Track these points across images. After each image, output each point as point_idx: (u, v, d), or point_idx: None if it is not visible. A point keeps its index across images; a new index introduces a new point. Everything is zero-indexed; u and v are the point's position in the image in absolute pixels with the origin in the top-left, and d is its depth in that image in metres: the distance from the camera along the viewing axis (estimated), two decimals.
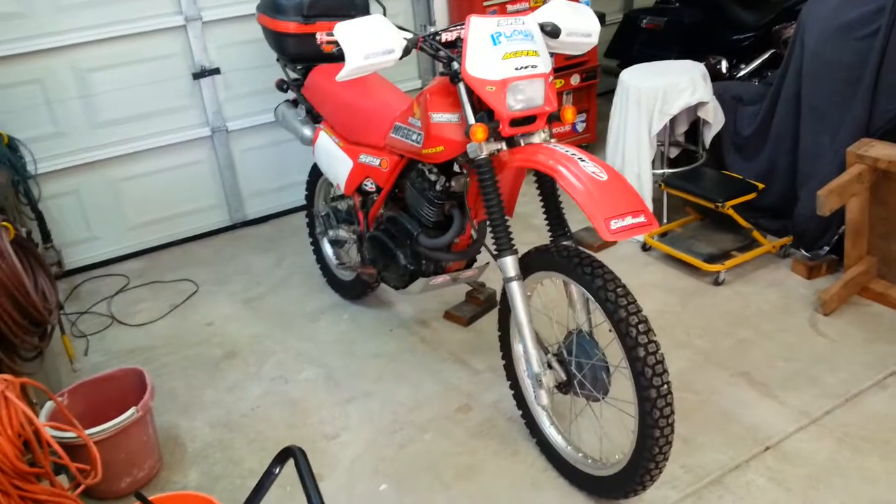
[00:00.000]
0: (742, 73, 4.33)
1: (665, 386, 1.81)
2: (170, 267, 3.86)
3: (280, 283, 3.60)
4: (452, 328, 3.09)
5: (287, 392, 2.80)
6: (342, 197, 3.05)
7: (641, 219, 1.79)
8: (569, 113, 2.13)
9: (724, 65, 4.36)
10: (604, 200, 1.79)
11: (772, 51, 4.30)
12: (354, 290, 3.29)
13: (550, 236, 2.21)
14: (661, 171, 3.53)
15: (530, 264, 2.13)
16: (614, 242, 3.49)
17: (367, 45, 1.95)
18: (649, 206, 3.49)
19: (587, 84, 4.38)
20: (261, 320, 3.30)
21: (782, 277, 3.14)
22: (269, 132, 4.05)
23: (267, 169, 4.17)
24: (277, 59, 3.18)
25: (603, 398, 2.04)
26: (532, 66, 2.00)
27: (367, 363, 2.91)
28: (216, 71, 3.84)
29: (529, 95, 2.02)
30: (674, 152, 3.75)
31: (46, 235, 3.62)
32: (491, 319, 3.09)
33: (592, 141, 4.60)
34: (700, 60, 4.24)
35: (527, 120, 2.06)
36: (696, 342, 2.79)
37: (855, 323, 2.80)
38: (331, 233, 3.15)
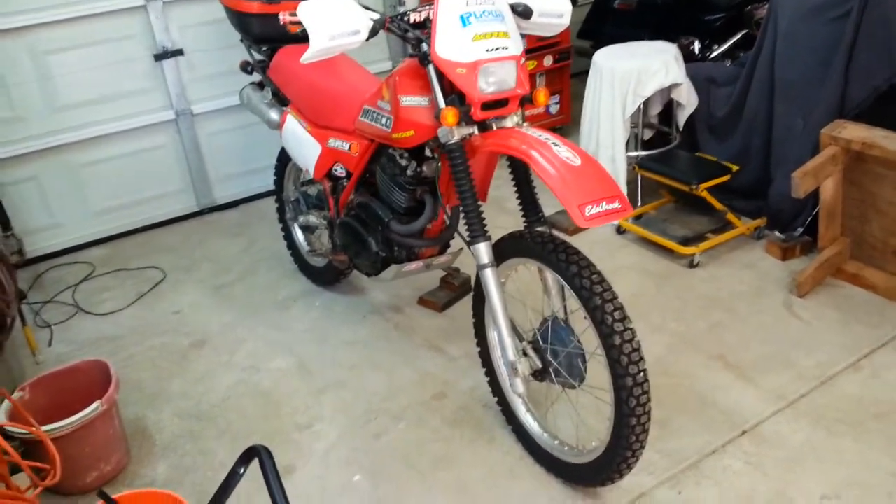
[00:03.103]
0: (714, 53, 4.30)
1: (641, 374, 1.78)
2: (136, 254, 3.76)
3: (250, 269, 3.53)
4: (427, 314, 3.04)
5: (258, 381, 2.74)
6: (312, 182, 2.98)
7: (616, 204, 1.75)
8: (541, 95, 2.08)
9: (696, 45, 4.34)
10: (578, 186, 1.74)
11: (744, 31, 4.27)
12: (326, 277, 3.23)
13: (524, 221, 2.17)
14: (636, 154, 3.50)
15: (504, 251, 2.08)
16: None
17: (332, 25, 1.88)
18: (623, 188, 3.46)
19: (560, 65, 4.33)
20: (231, 308, 3.22)
21: (756, 259, 3.14)
22: (236, 115, 3.94)
23: (234, 153, 4.07)
24: (241, 40, 3.08)
25: (579, 385, 2.01)
26: (503, 48, 1.95)
27: (341, 351, 2.86)
28: (179, 52, 3.73)
29: (501, 78, 1.97)
30: (647, 134, 3.72)
31: (6, 223, 3.51)
32: (466, 305, 3.05)
33: (567, 122, 4.56)
34: (673, 41, 4.21)
35: (499, 103, 2.01)
36: (672, 325, 2.78)
37: (829, 304, 2.81)
38: (301, 218, 3.08)
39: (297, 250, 3.34)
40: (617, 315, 1.78)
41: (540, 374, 2.06)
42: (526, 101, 2.07)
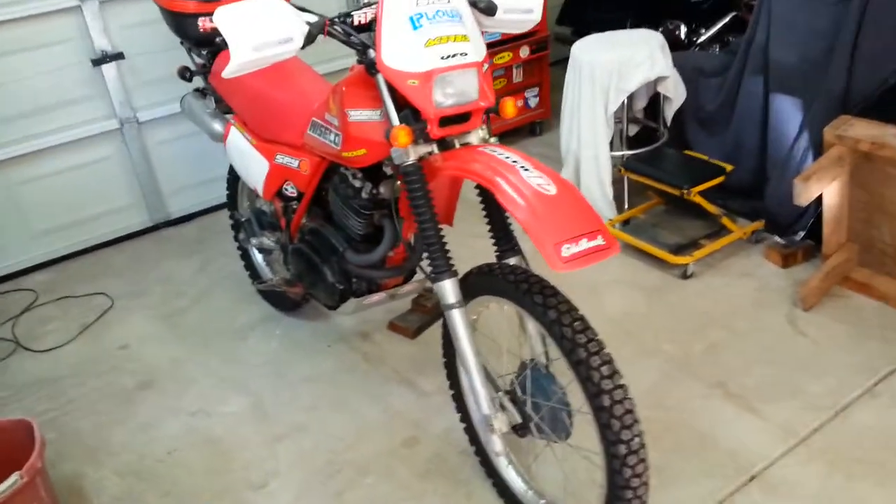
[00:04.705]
0: (702, 38, 4.02)
1: (636, 439, 1.51)
2: (82, 278, 3.46)
3: (205, 292, 3.23)
4: (397, 341, 2.77)
5: (209, 429, 2.46)
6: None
7: (599, 241, 1.47)
8: (509, 106, 1.78)
9: (682, 30, 4.05)
10: (552, 220, 1.46)
11: (733, 13, 4.00)
12: (288, 301, 2.93)
13: (496, 251, 1.89)
14: (621, 154, 3.22)
15: (473, 286, 1.80)
16: None
17: (257, 33, 1.58)
18: (608, 190, 3.19)
19: (538, 55, 4.03)
20: (182, 340, 2.93)
21: (755, 266, 2.88)
22: (187, 121, 3.60)
23: (188, 162, 3.76)
24: (181, 43, 2.76)
25: (565, 440, 1.75)
26: (462, 54, 1.66)
27: (300, 388, 2.58)
28: (119, 56, 3.40)
29: (460, 89, 1.68)
30: (633, 129, 3.44)
31: None
32: (440, 330, 2.76)
33: (547, 117, 4.27)
34: (657, 26, 3.92)
35: (459, 118, 1.72)
36: (666, 348, 2.52)
37: (837, 318, 2.55)
38: (254, 240, 2.79)
39: (255, 271, 3.05)
40: (605, 371, 1.50)
41: (520, 429, 1.78)
42: (491, 112, 1.78)
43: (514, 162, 1.57)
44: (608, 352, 1.53)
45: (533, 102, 4.18)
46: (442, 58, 1.63)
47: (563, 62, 4.77)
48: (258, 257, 3.01)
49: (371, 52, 1.73)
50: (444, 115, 1.68)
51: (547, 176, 1.55)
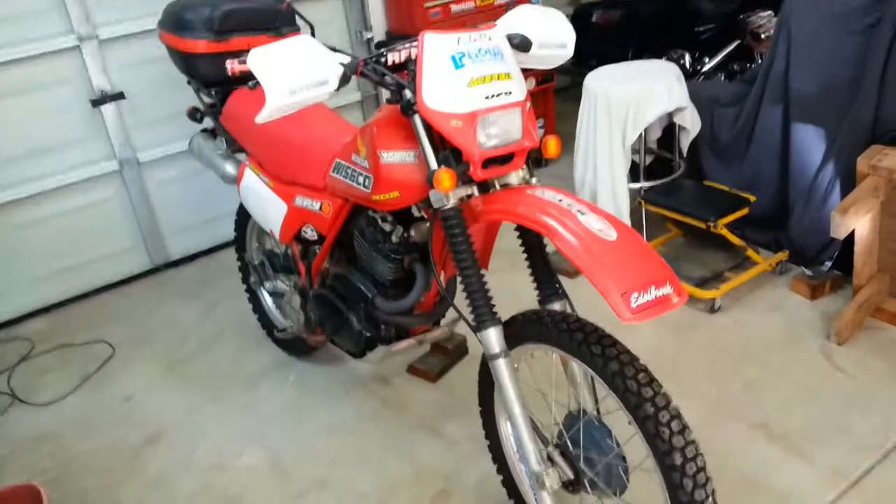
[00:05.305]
0: (706, 67, 4.01)
1: (710, 500, 1.42)
2: (82, 325, 3.32)
3: (212, 338, 3.11)
4: (418, 385, 2.66)
5: (225, 487, 2.32)
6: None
7: (667, 289, 1.39)
8: (552, 145, 1.72)
9: (686, 59, 4.04)
10: (618, 268, 1.38)
11: (737, 41, 3.99)
12: (300, 346, 2.82)
13: (539, 296, 1.80)
14: (638, 186, 3.16)
15: (517, 333, 1.71)
16: None
17: (292, 77, 1.50)
18: (627, 223, 3.11)
19: (544, 87, 3.99)
20: (190, 389, 2.80)
21: (782, 298, 2.81)
22: (187, 160, 3.52)
23: (189, 202, 3.66)
24: (189, 82, 2.67)
25: (620, 496, 1.65)
26: (506, 93, 1.59)
27: (320, 440, 2.45)
28: (119, 96, 3.31)
29: (504, 129, 1.60)
30: (646, 160, 3.39)
31: None
32: (462, 372, 2.68)
33: None
34: (659, 56, 3.90)
35: (502, 159, 1.65)
36: (702, 387, 2.43)
37: (873, 352, 2.48)
38: (267, 284, 2.68)
39: (264, 315, 2.94)
40: (675, 426, 1.41)
41: (572, 486, 1.68)
42: (534, 153, 1.71)
43: (569, 205, 1.50)
44: (676, 405, 1.44)
45: (539, 133, 4.12)
46: (486, 97, 1.56)
47: (562, 91, 4.76)
48: (268, 301, 2.90)
49: (407, 93, 1.65)
50: (488, 157, 1.61)
51: (605, 219, 1.47)
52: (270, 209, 2.35)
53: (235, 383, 2.80)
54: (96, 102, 3.27)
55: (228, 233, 3.27)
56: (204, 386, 2.80)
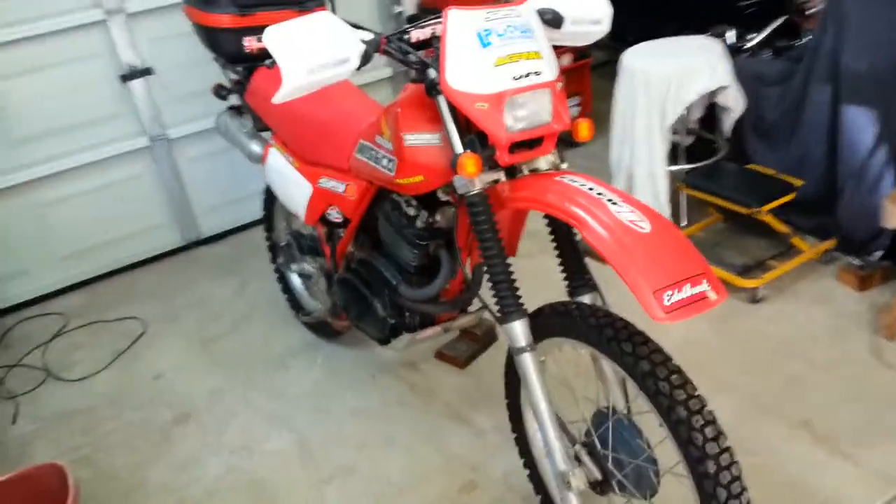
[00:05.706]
0: (751, 44, 3.82)
1: None
2: (113, 302, 3.33)
3: (242, 316, 3.09)
4: (446, 371, 2.60)
5: (252, 469, 2.31)
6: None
7: (704, 286, 1.29)
8: (583, 128, 1.62)
9: (730, 35, 3.85)
10: (651, 264, 1.29)
11: (784, 16, 3.79)
12: (327, 329, 2.78)
13: (568, 288, 1.72)
14: (678, 168, 3.03)
15: (544, 326, 1.63)
16: None
17: (311, 55, 1.43)
18: (665, 207, 3.00)
19: (579, 64, 3.85)
20: (220, 369, 2.79)
21: (828, 289, 2.68)
22: (217, 137, 3.43)
23: (220, 179, 3.63)
24: (215, 59, 2.62)
25: (649, 499, 1.57)
26: (535, 73, 1.49)
27: (348, 424, 2.42)
28: (148, 71, 3.28)
29: (533, 111, 1.51)
30: (686, 141, 3.25)
31: None
32: (491, 359, 2.61)
33: None
34: (701, 31, 3.73)
35: (530, 143, 1.56)
36: (740, 381, 2.33)
37: None
38: (294, 266, 2.64)
39: (294, 297, 2.91)
40: (709, 432, 1.33)
41: (599, 487, 1.61)
42: (564, 135, 1.62)
43: (600, 194, 1.41)
44: (711, 409, 1.36)
45: (574, 112, 4.01)
46: (514, 78, 1.47)
47: (598, 67, 4.60)
48: (297, 283, 2.86)
49: (431, 72, 1.57)
50: (516, 141, 1.52)
51: (638, 210, 1.38)
52: (295, 190, 2.29)
53: (265, 364, 2.78)
54: (125, 78, 3.25)
55: (260, 210, 3.25)
56: (234, 366, 2.79)
